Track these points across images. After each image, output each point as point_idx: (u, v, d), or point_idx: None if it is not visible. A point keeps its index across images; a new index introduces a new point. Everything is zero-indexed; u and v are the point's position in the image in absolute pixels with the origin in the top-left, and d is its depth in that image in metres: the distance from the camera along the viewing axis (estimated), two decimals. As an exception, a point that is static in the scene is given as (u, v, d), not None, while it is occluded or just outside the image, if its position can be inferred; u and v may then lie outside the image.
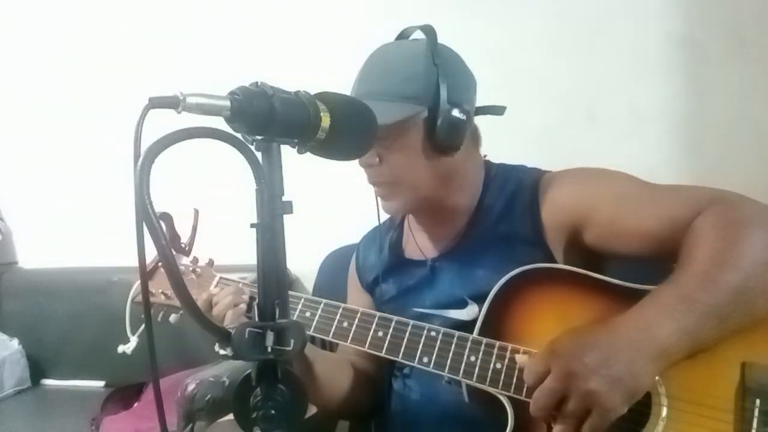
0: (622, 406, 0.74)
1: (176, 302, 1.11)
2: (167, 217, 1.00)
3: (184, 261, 1.12)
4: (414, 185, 1.02)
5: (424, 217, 1.12)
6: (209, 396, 1.47)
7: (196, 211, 1.01)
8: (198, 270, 1.13)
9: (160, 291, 1.11)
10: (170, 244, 1.02)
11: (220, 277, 1.12)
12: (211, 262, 1.15)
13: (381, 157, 0.99)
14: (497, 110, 1.07)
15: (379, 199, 1.07)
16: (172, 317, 1.12)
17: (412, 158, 1.00)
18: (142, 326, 1.06)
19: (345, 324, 1.00)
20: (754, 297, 0.77)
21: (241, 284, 1.09)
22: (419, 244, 1.13)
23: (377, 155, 0.99)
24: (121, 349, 1.07)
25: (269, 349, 0.58)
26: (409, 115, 0.96)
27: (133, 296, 1.13)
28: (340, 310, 1.01)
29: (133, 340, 1.06)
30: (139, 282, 1.11)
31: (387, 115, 0.93)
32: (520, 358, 0.86)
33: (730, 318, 0.77)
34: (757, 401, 0.77)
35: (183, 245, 1.03)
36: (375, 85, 0.99)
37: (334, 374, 1.10)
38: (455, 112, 0.97)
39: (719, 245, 0.80)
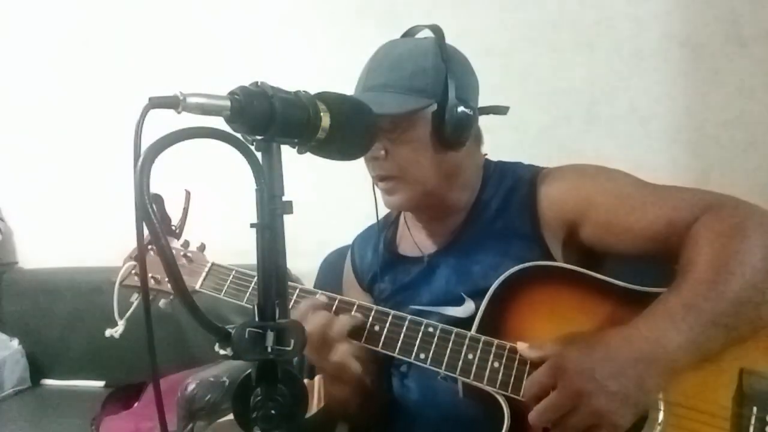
0: (629, 422, 0.74)
1: (166, 287, 1.07)
2: (158, 199, 0.97)
3: (175, 244, 1.08)
4: (419, 180, 1.01)
5: (421, 213, 1.11)
6: (209, 396, 1.47)
7: (188, 193, 0.99)
8: (189, 255, 1.09)
9: (150, 275, 1.07)
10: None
11: (212, 264, 1.09)
12: (202, 247, 1.12)
13: (387, 150, 0.99)
14: (501, 110, 1.07)
15: (380, 194, 1.05)
16: (162, 302, 1.08)
17: (419, 152, 0.99)
18: (130, 310, 1.04)
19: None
20: (758, 305, 0.77)
21: (234, 271, 1.06)
22: (416, 241, 1.12)
23: (383, 148, 0.98)
24: (108, 332, 1.04)
25: (269, 349, 0.58)
26: (420, 107, 0.96)
27: (122, 279, 1.10)
28: (336, 302, 0.98)
29: (121, 324, 1.04)
30: (128, 264, 1.09)
31: (398, 106, 0.94)
32: (521, 345, 0.85)
33: (735, 327, 0.77)
34: (754, 408, 0.77)
35: (174, 227, 1.01)
36: (384, 77, 0.98)
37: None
38: (463, 108, 0.98)
39: (720, 252, 0.79)
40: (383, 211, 1.12)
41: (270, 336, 0.58)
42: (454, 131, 0.98)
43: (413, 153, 0.99)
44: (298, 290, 1.02)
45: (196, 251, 1.11)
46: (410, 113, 0.96)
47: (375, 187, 1.08)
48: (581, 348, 0.78)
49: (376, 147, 0.97)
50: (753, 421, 0.76)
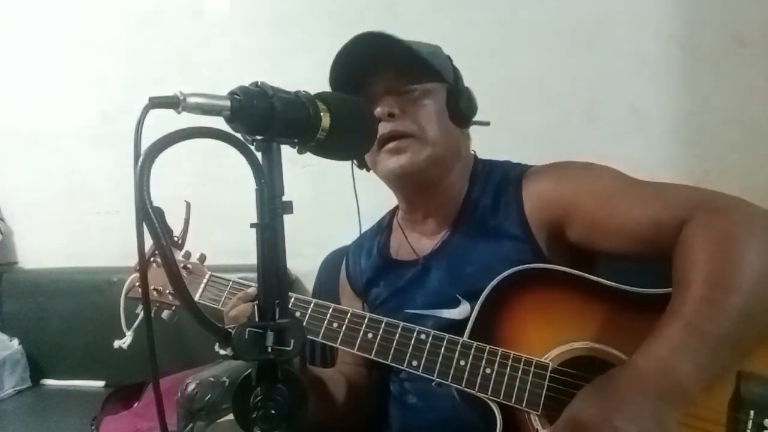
0: None
1: (168, 299, 1.10)
2: (159, 212, 0.99)
3: (177, 255, 1.09)
4: (434, 140, 1.02)
5: (415, 201, 1.11)
6: (209, 396, 1.47)
7: (188, 204, 1.00)
8: (189, 266, 1.11)
9: (152, 287, 1.10)
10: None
11: (211, 275, 1.11)
12: (203, 257, 1.14)
13: (403, 110, 1.01)
14: (483, 123, 1.10)
15: (385, 159, 1.03)
16: (165, 313, 1.11)
17: (434, 116, 1.03)
18: (137, 321, 1.06)
19: (335, 325, 0.98)
20: (760, 315, 0.73)
21: (231, 282, 1.09)
22: (410, 242, 1.12)
23: (398, 108, 1.01)
24: (117, 344, 1.06)
25: (269, 349, 0.58)
26: (444, 75, 1.02)
27: (127, 291, 1.12)
28: (330, 310, 0.99)
29: (129, 335, 1.05)
30: (132, 276, 1.12)
31: (428, 58, 0.98)
32: None
33: (741, 342, 0.73)
34: (751, 413, 0.74)
35: (176, 238, 1.02)
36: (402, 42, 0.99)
37: (335, 391, 1.10)
38: (471, 93, 1.07)
39: (715, 264, 0.75)
40: (368, 216, 1.12)
41: (270, 336, 0.58)
42: (466, 107, 1.05)
43: (429, 115, 1.02)
44: (292, 300, 1.02)
45: (197, 262, 1.13)
46: (436, 76, 1.01)
47: (357, 196, 1.12)
48: (593, 398, 0.74)
49: (390, 105, 1.00)
50: (750, 426, 0.74)
